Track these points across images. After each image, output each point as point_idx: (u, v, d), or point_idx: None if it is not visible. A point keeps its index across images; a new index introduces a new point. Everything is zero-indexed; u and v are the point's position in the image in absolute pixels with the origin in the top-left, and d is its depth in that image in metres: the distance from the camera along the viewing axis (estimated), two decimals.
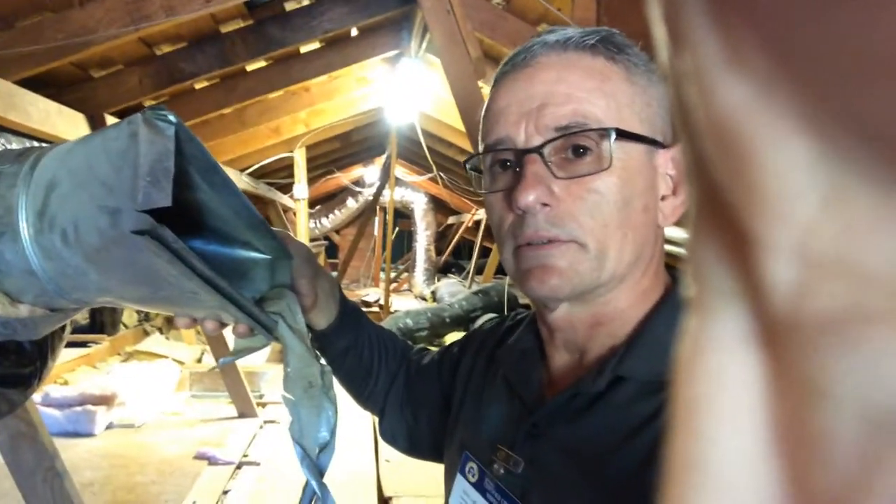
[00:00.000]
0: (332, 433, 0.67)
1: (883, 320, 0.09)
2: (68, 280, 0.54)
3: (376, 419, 0.93)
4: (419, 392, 0.87)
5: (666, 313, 0.57)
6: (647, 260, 0.58)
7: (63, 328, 0.73)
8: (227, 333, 0.69)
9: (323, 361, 0.70)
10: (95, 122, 2.49)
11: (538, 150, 0.55)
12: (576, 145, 0.54)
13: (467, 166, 0.66)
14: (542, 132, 0.55)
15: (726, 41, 0.10)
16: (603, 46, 0.56)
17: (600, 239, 0.54)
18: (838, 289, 0.10)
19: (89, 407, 3.32)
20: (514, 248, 0.58)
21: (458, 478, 0.67)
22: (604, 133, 0.53)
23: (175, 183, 0.48)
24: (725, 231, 0.12)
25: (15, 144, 2.23)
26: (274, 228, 0.67)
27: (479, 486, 0.64)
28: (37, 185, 0.52)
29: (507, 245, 0.59)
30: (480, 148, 0.62)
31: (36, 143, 2.35)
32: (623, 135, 0.54)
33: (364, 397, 0.90)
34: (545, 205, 0.55)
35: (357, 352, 0.85)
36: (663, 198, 0.57)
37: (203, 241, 0.65)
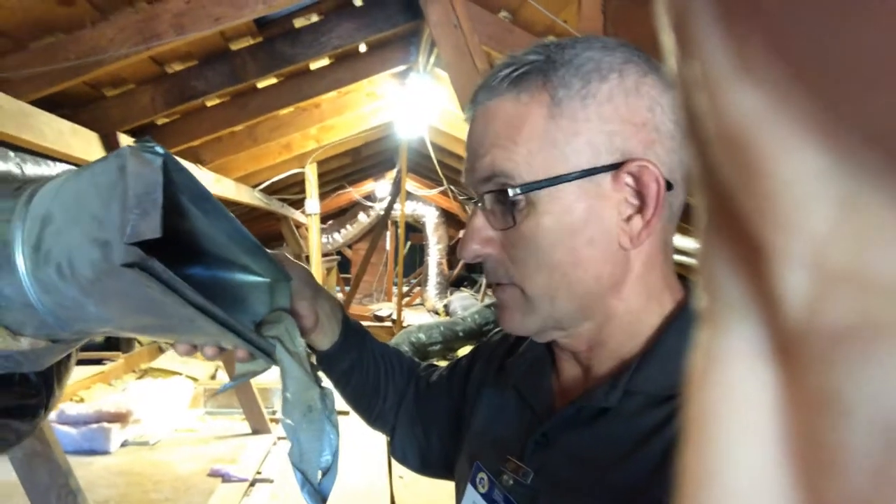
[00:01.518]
0: (335, 456, 0.67)
1: None
2: (67, 312, 0.55)
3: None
4: (429, 409, 0.86)
5: (678, 326, 0.57)
6: (616, 284, 0.56)
7: (69, 357, 0.73)
8: None
9: (324, 384, 0.69)
10: (109, 141, 2.52)
11: (477, 202, 0.58)
12: (503, 199, 0.55)
13: (462, 198, 0.70)
14: (475, 185, 0.58)
15: (736, 49, 0.10)
16: (529, 77, 0.54)
17: (536, 283, 0.56)
18: (853, 300, 0.10)
19: (104, 424, 3.34)
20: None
21: (469, 488, 0.67)
22: (518, 190, 0.54)
23: (169, 212, 0.49)
24: (737, 242, 0.12)
25: (30, 164, 2.26)
26: (271, 251, 0.68)
27: (488, 497, 0.63)
28: (32, 220, 0.53)
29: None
30: None
31: (51, 163, 2.37)
32: (533, 185, 0.53)
33: (373, 417, 0.90)
34: (490, 251, 0.58)
35: (362, 371, 0.85)
36: (628, 218, 0.54)
37: (203, 267, 0.66)
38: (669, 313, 0.58)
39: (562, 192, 0.53)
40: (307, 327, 0.73)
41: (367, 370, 0.85)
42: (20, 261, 0.53)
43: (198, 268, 0.65)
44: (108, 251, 0.47)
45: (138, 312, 0.54)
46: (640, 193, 0.53)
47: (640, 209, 0.54)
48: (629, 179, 0.53)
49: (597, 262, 0.54)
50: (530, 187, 0.53)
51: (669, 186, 0.54)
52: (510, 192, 0.53)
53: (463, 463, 0.72)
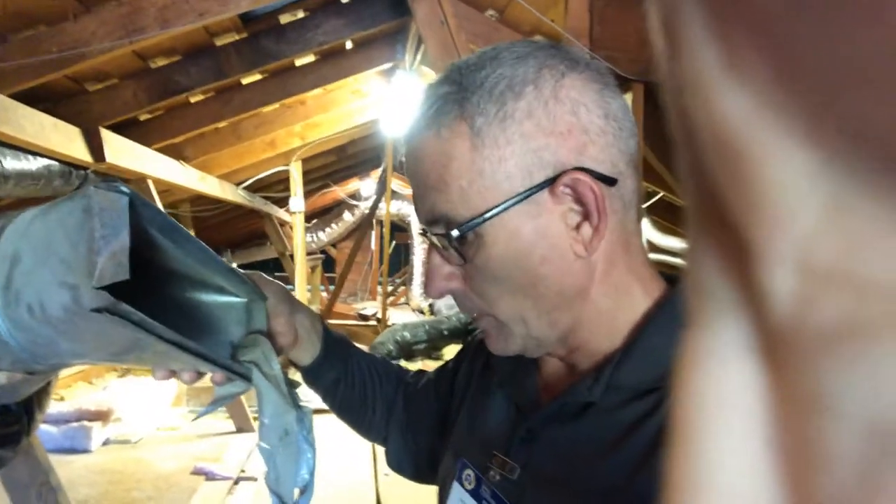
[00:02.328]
0: (312, 474, 0.68)
1: (885, 332, 0.09)
2: (41, 348, 0.55)
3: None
4: (419, 415, 0.86)
5: (660, 320, 0.56)
6: (581, 291, 0.55)
7: (49, 383, 0.73)
8: None
9: (302, 403, 0.69)
10: (91, 136, 2.49)
11: (433, 244, 0.58)
12: (449, 239, 0.55)
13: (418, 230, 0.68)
14: (426, 226, 0.58)
15: (725, 50, 0.10)
16: (445, 111, 0.53)
17: (503, 310, 0.56)
18: (839, 300, 0.10)
19: (85, 423, 3.30)
20: None
21: (455, 485, 0.66)
22: (457, 232, 0.53)
23: (139, 242, 0.49)
24: (725, 241, 0.12)
25: (10, 158, 2.23)
26: (245, 272, 0.68)
27: (475, 494, 0.63)
28: (1, 259, 0.53)
29: None
30: None
31: (31, 157, 2.34)
32: (470, 223, 0.52)
33: (364, 428, 0.89)
34: (455, 285, 0.58)
35: (348, 383, 0.84)
36: (577, 227, 0.53)
37: (178, 288, 0.66)
38: (649, 307, 0.57)
39: (503, 219, 0.52)
40: (285, 344, 0.73)
41: (352, 382, 0.85)
42: None
43: (174, 288, 0.65)
44: (77, 294, 0.47)
45: (112, 347, 0.54)
46: (580, 201, 0.52)
47: (587, 216, 0.53)
48: (567, 190, 0.52)
49: (555, 277, 0.53)
50: (471, 225, 0.52)
51: (613, 182, 0.53)
52: (454, 233, 0.53)
53: (448, 460, 0.72)
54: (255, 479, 2.95)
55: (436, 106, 0.54)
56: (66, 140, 2.34)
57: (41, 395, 0.74)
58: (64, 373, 4.09)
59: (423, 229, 0.59)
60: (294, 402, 0.69)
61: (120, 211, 0.49)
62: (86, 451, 3.26)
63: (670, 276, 0.62)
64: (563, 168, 0.51)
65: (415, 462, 0.87)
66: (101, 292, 0.46)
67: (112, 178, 0.51)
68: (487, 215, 0.52)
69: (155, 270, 0.61)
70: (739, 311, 0.12)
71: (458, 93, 0.53)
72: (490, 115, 0.52)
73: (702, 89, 0.11)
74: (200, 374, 0.65)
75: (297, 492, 0.67)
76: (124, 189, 0.51)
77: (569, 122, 0.52)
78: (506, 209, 0.52)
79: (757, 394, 0.12)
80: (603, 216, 0.52)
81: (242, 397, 3.59)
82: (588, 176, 0.51)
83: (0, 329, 0.53)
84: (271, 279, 0.75)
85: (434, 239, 0.57)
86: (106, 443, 3.41)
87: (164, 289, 0.65)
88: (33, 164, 2.24)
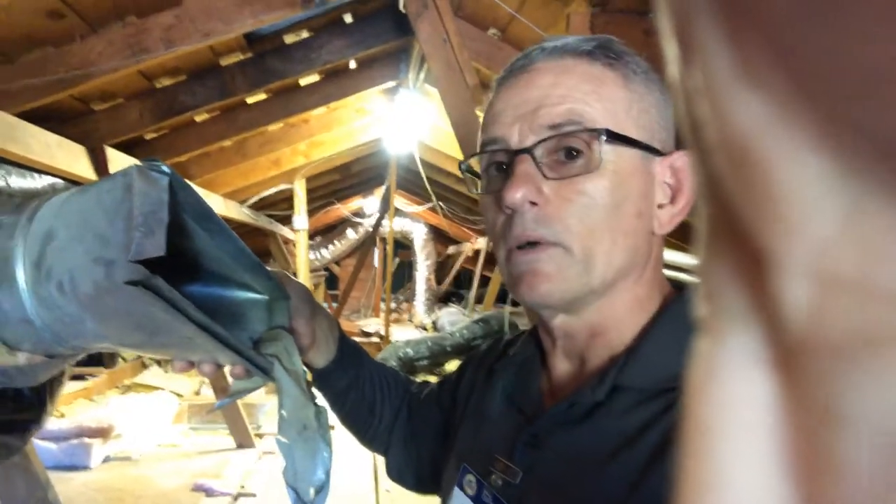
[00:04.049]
0: (328, 474, 0.67)
1: None
2: (65, 328, 0.55)
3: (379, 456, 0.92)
4: (422, 425, 0.86)
5: (665, 322, 0.57)
6: (641, 266, 0.57)
7: (62, 373, 0.73)
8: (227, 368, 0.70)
9: (319, 402, 0.70)
10: (96, 155, 2.51)
11: (530, 150, 0.55)
12: (568, 147, 0.54)
13: (462, 167, 0.66)
14: (536, 132, 0.55)
15: (739, 56, 0.10)
16: (601, 52, 0.56)
17: (586, 243, 0.54)
18: (855, 310, 0.10)
19: (85, 440, 3.29)
20: (506, 253, 0.58)
21: (456, 491, 0.66)
22: (595, 135, 0.53)
23: (171, 230, 0.49)
24: (738, 249, 0.12)
25: (15, 176, 2.24)
26: (271, 269, 0.68)
27: (477, 499, 0.63)
28: (34, 237, 0.53)
29: (500, 249, 0.59)
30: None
31: (37, 176, 2.35)
32: (616, 137, 0.53)
33: (368, 437, 0.89)
34: (534, 203, 0.54)
35: (359, 390, 0.84)
36: (660, 206, 0.57)
37: (201, 284, 0.66)
38: (656, 309, 0.58)
39: (628, 156, 0.54)
40: (304, 345, 0.73)
41: (363, 390, 0.85)
42: (21, 276, 0.53)
43: (196, 284, 0.66)
44: (112, 269, 0.47)
45: (137, 329, 0.54)
46: (672, 188, 0.57)
47: (672, 201, 0.57)
48: (668, 173, 0.57)
49: (637, 236, 0.55)
50: (612, 135, 0.53)
51: None
52: (590, 136, 0.53)
53: (450, 467, 0.71)
54: (255, 496, 2.94)
55: (589, 46, 0.56)
56: (72, 159, 2.36)
57: (54, 385, 0.74)
58: (65, 389, 4.09)
59: (518, 150, 0.56)
60: (312, 398, 0.69)
61: (160, 190, 0.50)
62: (85, 467, 3.25)
63: (675, 281, 0.63)
64: (669, 148, 0.57)
65: (416, 472, 0.87)
66: (136, 265, 0.46)
67: (153, 159, 0.51)
68: (625, 140, 0.54)
69: (182, 258, 0.61)
70: (752, 320, 0.12)
71: (609, 54, 0.57)
72: (639, 74, 0.57)
73: (715, 97, 0.11)
74: (219, 368, 0.65)
75: (312, 491, 0.67)
76: (165, 169, 0.51)
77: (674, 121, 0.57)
78: (637, 148, 0.55)
79: (770, 404, 0.12)
80: (690, 203, 0.56)
81: (243, 413, 3.58)
82: None
83: (26, 307, 0.54)
84: (295, 279, 0.75)
85: (545, 145, 0.55)
86: (106, 459, 3.40)
87: (189, 279, 0.65)
88: (39, 182, 2.25)
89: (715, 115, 0.11)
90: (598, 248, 0.54)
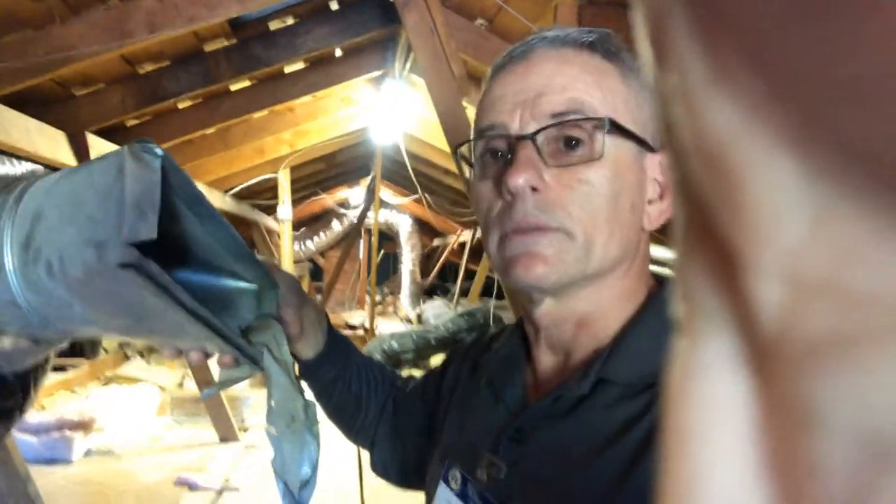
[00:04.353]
0: (314, 469, 0.67)
1: (873, 342, 0.09)
2: (53, 311, 0.54)
3: (362, 451, 0.92)
4: (407, 419, 0.85)
5: (650, 316, 0.57)
6: (631, 260, 0.58)
7: (46, 360, 0.72)
8: (211, 361, 0.69)
9: (307, 395, 0.69)
10: (76, 141, 2.47)
11: (532, 136, 0.55)
12: (568, 136, 0.54)
13: (457, 152, 0.65)
14: (538, 119, 0.55)
15: (713, 60, 0.10)
16: (601, 46, 0.57)
17: (588, 230, 0.54)
18: (827, 311, 0.10)
19: (66, 433, 3.25)
20: (500, 237, 0.57)
21: (441, 486, 0.66)
22: (598, 124, 0.54)
23: (161, 214, 0.48)
24: (712, 250, 0.12)
25: None
26: (260, 257, 0.67)
27: (461, 494, 0.63)
28: (22, 218, 0.52)
29: (493, 234, 0.58)
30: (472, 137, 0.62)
31: (16, 161, 2.31)
32: (617, 127, 0.54)
33: (354, 430, 0.89)
34: (535, 190, 0.54)
35: (345, 382, 0.84)
36: (650, 202, 0.58)
37: (190, 271, 0.65)
38: (641, 303, 0.59)
39: (626, 149, 0.55)
40: (292, 335, 0.73)
41: (350, 382, 0.85)
42: (7, 258, 0.52)
43: (184, 270, 0.65)
44: (103, 251, 0.46)
45: (126, 314, 0.54)
46: (660, 185, 0.57)
47: (661, 197, 0.58)
48: (658, 169, 0.57)
49: (630, 228, 0.56)
50: (614, 125, 0.54)
51: None
52: (592, 126, 0.54)
53: (435, 462, 0.71)
54: (239, 490, 2.92)
55: (589, 38, 0.57)
56: (53, 144, 2.32)
57: (38, 372, 0.73)
58: (45, 381, 4.05)
59: (519, 136, 0.55)
60: (301, 390, 0.68)
61: (153, 173, 0.49)
62: (66, 461, 3.21)
63: (657, 276, 0.64)
64: (660, 147, 0.57)
65: (401, 467, 0.87)
66: (129, 248, 0.46)
67: (146, 140, 0.50)
68: (624, 131, 0.54)
69: (171, 243, 0.60)
70: (728, 321, 0.12)
71: (609, 47, 0.57)
72: (635, 70, 0.57)
73: (689, 100, 0.11)
74: (208, 356, 0.64)
75: (298, 485, 0.66)
76: (158, 151, 0.51)
77: None
78: (634, 141, 0.55)
79: (747, 405, 0.12)
80: None
81: (227, 407, 3.55)
82: None
83: (14, 289, 0.52)
84: (284, 269, 0.75)
85: (546, 133, 0.55)
86: (87, 453, 3.37)
87: (177, 265, 0.64)
88: (17, 168, 2.21)
89: (689, 118, 0.11)
90: (598, 236, 0.54)
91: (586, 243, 0.54)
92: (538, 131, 0.55)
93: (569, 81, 0.55)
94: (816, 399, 0.10)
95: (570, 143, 0.54)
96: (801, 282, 0.10)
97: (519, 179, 0.53)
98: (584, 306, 0.58)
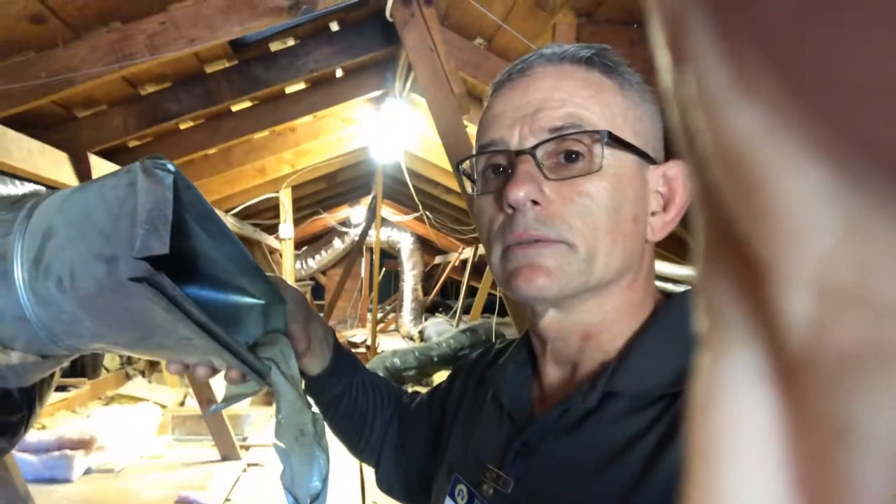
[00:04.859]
0: (324, 482, 0.67)
1: None
2: (62, 326, 0.54)
3: (365, 466, 0.91)
4: (412, 435, 0.85)
5: (657, 329, 0.57)
6: (635, 272, 0.58)
7: (52, 375, 0.72)
8: (213, 379, 0.69)
9: (315, 409, 0.69)
10: (79, 162, 2.49)
11: (531, 150, 0.56)
12: (568, 150, 0.55)
13: (460, 168, 0.66)
14: (536, 134, 0.56)
15: (734, 65, 0.10)
16: (598, 60, 0.57)
17: (589, 242, 0.54)
18: (859, 322, 0.09)
19: (67, 451, 3.24)
20: (502, 250, 0.58)
21: (447, 501, 0.65)
22: (597, 137, 0.54)
23: (172, 229, 0.48)
24: (737, 263, 0.11)
25: None
26: (268, 274, 0.67)
27: None
28: (32, 233, 0.53)
29: (496, 247, 0.59)
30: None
31: (18, 182, 2.33)
32: (616, 140, 0.54)
33: (359, 448, 0.88)
34: (535, 203, 0.55)
35: (351, 398, 0.84)
36: (653, 213, 0.58)
37: (197, 287, 0.66)
38: (648, 316, 0.59)
39: (626, 161, 0.56)
40: (299, 351, 0.73)
41: (356, 398, 0.84)
42: (18, 273, 0.53)
43: (192, 286, 0.65)
44: (114, 266, 0.47)
45: (135, 328, 0.54)
46: (664, 196, 0.58)
47: (666, 205, 0.58)
48: (661, 181, 0.58)
49: (633, 240, 0.56)
50: (612, 138, 0.54)
51: None
52: (591, 139, 0.55)
53: (441, 477, 0.71)
54: None
55: (587, 53, 0.58)
56: (55, 166, 2.34)
57: (43, 387, 0.73)
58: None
59: (518, 151, 0.57)
60: (309, 404, 0.69)
61: (165, 188, 0.49)
62: (67, 480, 3.20)
63: (665, 292, 0.63)
64: (662, 159, 0.58)
65: (407, 483, 0.86)
66: (140, 262, 0.46)
67: (158, 156, 0.51)
68: (624, 144, 0.55)
69: (180, 259, 0.60)
70: (753, 334, 0.11)
71: (606, 62, 0.58)
72: (633, 84, 0.58)
73: (711, 106, 0.10)
74: (215, 372, 0.64)
75: (308, 499, 0.66)
76: (170, 167, 0.51)
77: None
78: (634, 153, 0.56)
79: (776, 422, 0.11)
80: (682, 212, 0.57)
81: (229, 424, 3.54)
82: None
83: (23, 304, 0.53)
84: (291, 285, 0.75)
85: (546, 147, 0.56)
86: (88, 471, 3.35)
87: (185, 280, 0.64)
88: (20, 189, 2.22)
89: (709, 124, 0.10)
90: (599, 248, 0.54)
91: (588, 255, 0.54)
92: (537, 146, 0.55)
93: (567, 96, 0.55)
94: (849, 414, 0.10)
95: (570, 157, 0.55)
96: (832, 293, 0.10)
97: (519, 192, 0.54)
98: (588, 318, 0.58)
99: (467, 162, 0.64)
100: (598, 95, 0.56)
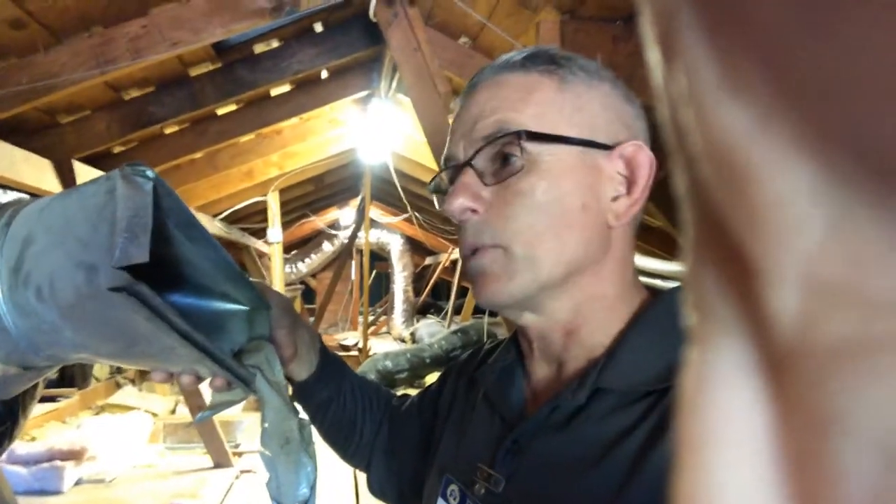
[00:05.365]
0: (312, 489, 0.67)
1: (892, 348, 0.09)
2: (42, 337, 0.53)
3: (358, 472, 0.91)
4: (403, 438, 0.85)
5: (643, 325, 0.57)
6: (597, 261, 0.58)
7: (35, 386, 0.71)
8: (203, 386, 0.68)
9: (302, 415, 0.69)
10: (63, 169, 2.46)
11: (468, 161, 0.58)
12: (505, 154, 0.56)
13: (429, 188, 0.68)
14: (473, 145, 0.58)
15: (724, 63, 0.10)
16: (539, 61, 0.59)
17: (527, 241, 0.55)
18: (846, 317, 0.10)
19: (57, 463, 3.20)
20: (462, 262, 0.61)
21: (439, 502, 0.65)
22: (519, 137, 0.55)
23: (152, 236, 0.48)
24: (726, 258, 0.11)
25: None
26: (252, 279, 0.67)
27: None
28: (12, 241, 0.52)
29: (462, 258, 0.61)
30: None
31: (1, 191, 2.30)
32: (540, 136, 0.55)
33: (350, 452, 0.88)
34: (475, 211, 0.57)
35: (340, 403, 0.84)
36: (615, 198, 0.57)
37: (181, 294, 0.65)
38: (634, 312, 0.59)
39: (563, 153, 0.56)
40: (286, 357, 0.73)
41: (344, 403, 0.84)
42: None
43: (175, 293, 0.64)
44: (94, 275, 0.46)
45: (117, 338, 0.53)
46: (627, 178, 0.57)
47: (628, 192, 0.57)
48: (621, 164, 0.57)
49: (586, 229, 0.56)
50: (538, 137, 0.55)
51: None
52: (516, 139, 0.55)
53: (433, 478, 0.71)
54: None
55: (530, 54, 0.59)
56: (38, 173, 2.31)
57: (27, 400, 0.72)
58: (35, 412, 3.99)
59: (460, 163, 0.59)
60: (295, 411, 0.68)
61: (144, 195, 0.49)
62: (57, 492, 3.16)
63: (652, 288, 0.63)
64: (621, 141, 0.58)
65: (398, 487, 0.86)
66: (119, 271, 0.45)
67: (138, 163, 0.50)
68: (553, 139, 0.55)
69: (162, 267, 0.60)
70: (743, 330, 0.12)
71: (547, 62, 0.59)
72: (579, 77, 0.58)
73: (699, 103, 0.10)
74: (200, 379, 0.64)
75: None
76: (150, 174, 0.51)
77: (634, 124, 0.59)
78: (569, 145, 0.56)
79: (764, 416, 0.11)
80: (645, 191, 0.57)
81: (220, 431, 3.52)
82: (647, 150, 0.57)
83: (2, 315, 0.52)
84: (276, 290, 0.75)
85: (481, 155, 0.57)
86: (78, 482, 3.31)
87: (168, 288, 0.63)
88: (3, 198, 2.20)
89: (699, 122, 0.11)
90: (540, 245, 0.55)
91: (527, 255, 0.55)
92: (473, 155, 0.57)
93: (499, 104, 0.57)
94: (836, 406, 0.10)
95: (505, 161, 0.56)
96: (819, 288, 0.10)
97: (453, 203, 0.57)
98: (563, 315, 0.58)
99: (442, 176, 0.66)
100: (528, 97, 0.57)
